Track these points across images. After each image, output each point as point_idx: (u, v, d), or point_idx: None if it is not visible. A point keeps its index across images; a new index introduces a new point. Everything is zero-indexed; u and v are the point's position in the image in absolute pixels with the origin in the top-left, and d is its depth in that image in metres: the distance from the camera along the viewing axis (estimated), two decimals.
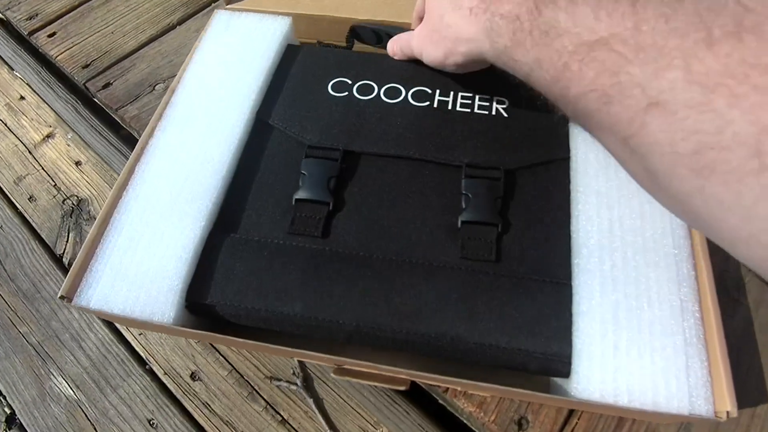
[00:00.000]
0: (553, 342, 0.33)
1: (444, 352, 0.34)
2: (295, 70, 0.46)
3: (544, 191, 0.38)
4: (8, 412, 0.49)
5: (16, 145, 0.66)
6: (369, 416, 0.45)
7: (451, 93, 0.43)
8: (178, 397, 0.48)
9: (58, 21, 0.74)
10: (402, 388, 0.38)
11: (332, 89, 0.44)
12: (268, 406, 0.46)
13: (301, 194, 0.38)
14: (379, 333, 0.34)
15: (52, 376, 0.50)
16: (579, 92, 0.24)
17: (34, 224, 0.59)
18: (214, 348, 0.49)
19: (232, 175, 0.41)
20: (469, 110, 0.42)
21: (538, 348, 0.33)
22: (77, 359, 0.50)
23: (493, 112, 0.41)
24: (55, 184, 0.62)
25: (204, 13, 0.73)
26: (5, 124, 0.68)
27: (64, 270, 0.55)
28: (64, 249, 0.57)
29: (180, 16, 0.72)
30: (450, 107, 0.42)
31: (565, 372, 0.33)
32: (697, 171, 0.20)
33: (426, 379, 0.36)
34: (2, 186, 0.63)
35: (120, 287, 0.36)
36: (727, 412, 0.31)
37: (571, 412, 0.40)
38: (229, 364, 0.48)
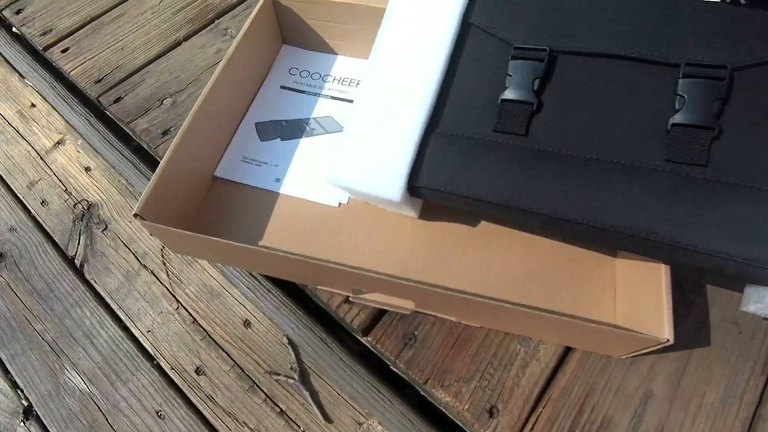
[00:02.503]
0: (758, 247, 0.32)
1: (636, 248, 0.36)
2: None
3: None
4: (26, 404, 0.52)
5: (28, 151, 0.69)
6: (360, 408, 0.48)
7: None
8: (184, 390, 0.51)
9: (71, 37, 0.77)
10: (409, 307, 0.46)
11: None
12: (267, 399, 0.50)
13: (507, 94, 0.41)
14: (574, 222, 0.37)
15: (66, 371, 0.53)
16: None
17: (46, 227, 0.63)
18: (217, 344, 0.53)
19: (443, 76, 0.44)
20: None
21: (740, 253, 0.33)
22: (89, 355, 0.54)
23: None
24: (66, 189, 0.65)
25: (209, 30, 0.75)
26: (17, 131, 0.72)
27: (76, 271, 0.59)
28: (76, 251, 0.60)
29: (186, 33, 0.75)
30: None
31: (765, 278, 0.33)
32: None
33: (431, 295, 0.40)
34: (16, 191, 0.66)
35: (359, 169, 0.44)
36: (667, 339, 0.35)
37: (537, 401, 0.43)
38: (231, 359, 0.52)
